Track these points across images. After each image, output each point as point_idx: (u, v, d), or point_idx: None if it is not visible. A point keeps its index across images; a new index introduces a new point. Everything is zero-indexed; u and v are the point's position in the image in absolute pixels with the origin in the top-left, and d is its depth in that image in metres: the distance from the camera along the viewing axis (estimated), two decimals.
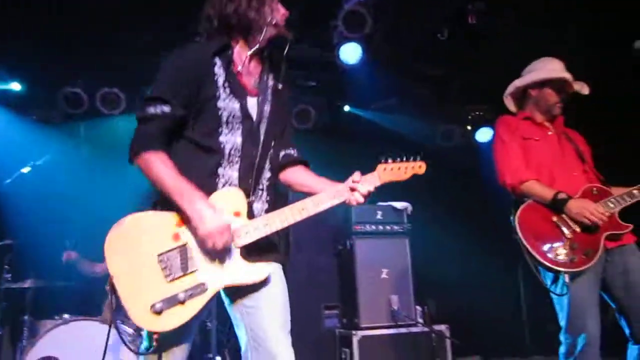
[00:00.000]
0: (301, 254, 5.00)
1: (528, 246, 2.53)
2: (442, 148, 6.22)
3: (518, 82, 2.97)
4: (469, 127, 6.28)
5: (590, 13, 4.33)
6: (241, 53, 2.03)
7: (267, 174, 2.03)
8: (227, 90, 1.93)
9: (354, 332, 4.33)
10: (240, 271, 1.83)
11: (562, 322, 2.57)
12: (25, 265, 4.11)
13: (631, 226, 2.59)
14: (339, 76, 5.40)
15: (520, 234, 2.56)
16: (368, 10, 4.38)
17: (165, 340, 1.80)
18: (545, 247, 2.52)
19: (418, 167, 2.19)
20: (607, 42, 4.35)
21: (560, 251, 2.49)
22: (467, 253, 5.95)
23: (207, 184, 1.85)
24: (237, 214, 1.86)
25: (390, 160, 2.14)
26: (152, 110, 1.86)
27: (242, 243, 1.85)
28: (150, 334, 1.78)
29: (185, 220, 1.81)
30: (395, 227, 4.72)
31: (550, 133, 2.87)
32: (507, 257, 4.26)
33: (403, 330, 4.43)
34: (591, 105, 3.37)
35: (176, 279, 1.75)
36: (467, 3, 4.49)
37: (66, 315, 3.70)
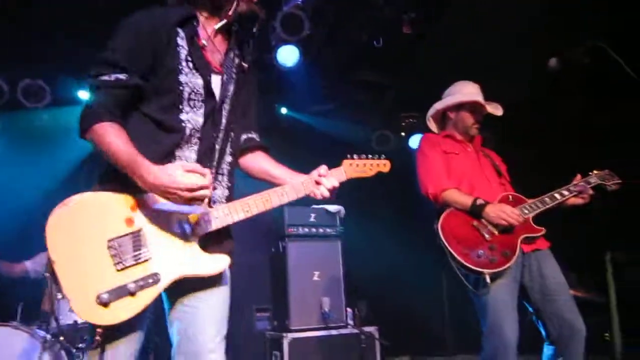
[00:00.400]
0: (234, 256, 4.93)
1: (451, 250, 2.65)
2: (377, 153, 6.34)
3: (438, 105, 3.17)
4: (402, 134, 6.46)
5: (525, 20, 4.53)
6: (206, 26, 1.88)
7: (228, 158, 1.91)
8: (190, 64, 1.78)
9: (284, 334, 4.32)
10: (197, 261, 1.72)
11: (484, 328, 2.71)
12: None
13: (544, 230, 2.78)
14: (277, 78, 5.40)
15: (443, 240, 2.68)
16: (307, 13, 4.40)
17: (111, 335, 1.63)
18: (467, 250, 2.65)
19: (383, 165, 2.22)
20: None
21: (480, 253, 2.63)
22: (397, 255, 6.10)
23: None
24: None
25: (356, 157, 2.16)
26: (106, 77, 1.68)
27: (203, 231, 1.75)
28: (94, 328, 1.60)
29: (140, 203, 1.67)
30: (328, 230, 4.77)
31: (469, 150, 3.08)
32: (434, 259, 4.42)
33: (333, 332, 4.47)
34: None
35: (127, 267, 1.60)
36: (403, 13, 4.63)
37: None
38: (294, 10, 4.37)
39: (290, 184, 1.95)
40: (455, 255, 2.63)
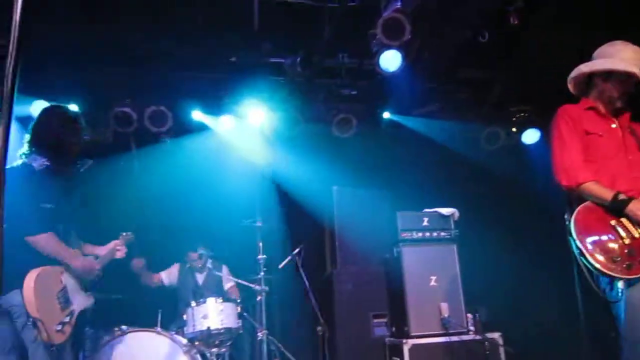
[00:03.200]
0: (348, 264, 5.01)
1: (583, 249, 2.40)
2: (487, 152, 6.10)
3: (584, 68, 2.74)
4: (514, 130, 6.14)
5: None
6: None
7: None
8: None
9: (404, 340, 4.28)
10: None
11: (621, 330, 2.45)
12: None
13: None
14: (380, 84, 5.42)
15: (575, 236, 2.44)
16: (407, 16, 4.37)
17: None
18: (601, 252, 2.39)
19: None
20: None
21: (616, 257, 2.35)
22: (517, 258, 5.79)
23: None
24: None
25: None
26: None
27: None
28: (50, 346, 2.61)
29: (63, 271, 2.79)
30: (443, 234, 4.66)
31: (614, 126, 2.69)
32: (561, 262, 4.13)
33: (455, 338, 4.33)
34: None
35: (65, 308, 2.76)
36: (507, 4, 4.42)
37: (124, 327, 3.82)
38: (394, 14, 4.36)
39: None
40: (587, 255, 2.38)
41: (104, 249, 3.26)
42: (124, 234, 3.45)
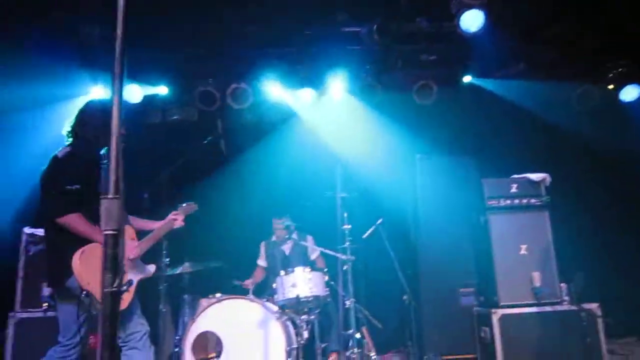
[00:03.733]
0: (434, 233, 4.95)
1: None
2: (580, 113, 5.69)
3: None
4: (610, 87, 5.66)
5: None
6: None
7: None
8: None
9: (493, 310, 4.20)
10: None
11: None
12: (179, 250, 4.54)
13: None
14: (460, 47, 5.19)
15: None
16: None
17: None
18: None
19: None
20: None
21: None
22: (614, 225, 5.44)
23: None
24: None
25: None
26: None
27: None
28: None
29: None
30: (533, 200, 4.46)
31: None
32: None
33: (547, 308, 4.20)
34: None
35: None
36: None
37: (218, 294, 4.05)
38: None
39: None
40: None
41: (159, 223, 3.39)
42: (184, 204, 3.56)
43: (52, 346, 2.98)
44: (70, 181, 2.80)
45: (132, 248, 3.09)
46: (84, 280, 2.75)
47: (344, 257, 4.29)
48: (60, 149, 3.00)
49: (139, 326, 2.99)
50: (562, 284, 4.33)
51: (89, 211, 2.78)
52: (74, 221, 2.80)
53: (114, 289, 1.36)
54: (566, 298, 4.28)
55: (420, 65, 5.41)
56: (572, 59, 5.54)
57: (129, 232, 3.14)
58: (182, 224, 3.47)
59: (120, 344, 2.94)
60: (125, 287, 2.76)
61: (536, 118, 5.66)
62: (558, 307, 4.22)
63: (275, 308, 4.04)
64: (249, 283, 4.71)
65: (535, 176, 4.49)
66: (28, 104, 4.67)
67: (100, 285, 2.51)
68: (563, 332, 4.14)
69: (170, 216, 3.44)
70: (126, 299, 2.88)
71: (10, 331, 3.90)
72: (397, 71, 5.45)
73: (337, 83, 5.44)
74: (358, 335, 4.24)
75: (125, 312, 2.92)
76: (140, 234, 3.26)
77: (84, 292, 2.74)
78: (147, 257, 3.25)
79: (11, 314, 3.94)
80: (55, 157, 2.94)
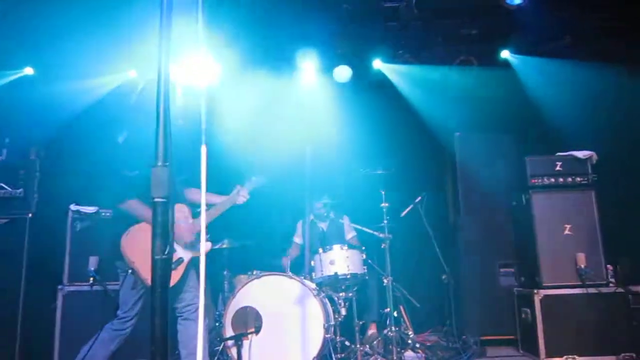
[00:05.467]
0: (472, 212, 4.86)
1: None
2: (631, 87, 5.40)
3: None
4: None
5: None
6: None
7: None
8: None
9: (535, 291, 4.12)
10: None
11: None
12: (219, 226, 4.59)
13: None
14: (502, 20, 5.00)
15: None
16: None
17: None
18: None
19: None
20: None
21: None
22: None
23: None
24: None
25: None
26: None
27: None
28: None
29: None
30: (578, 179, 4.33)
31: None
32: None
33: (592, 290, 4.09)
34: None
35: None
36: None
37: (257, 271, 4.10)
38: None
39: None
40: None
41: (222, 197, 3.38)
42: (253, 177, 3.52)
43: (98, 318, 3.08)
44: (131, 167, 2.86)
45: (187, 229, 3.11)
46: (129, 259, 2.87)
47: (381, 235, 4.27)
48: (122, 134, 3.06)
49: (195, 299, 3.06)
50: (608, 266, 4.20)
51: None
52: (133, 207, 2.90)
53: (164, 257, 1.38)
54: (612, 280, 4.15)
55: (460, 40, 5.25)
56: (626, 30, 5.24)
57: (184, 211, 3.15)
58: (246, 199, 3.41)
59: (177, 315, 3.05)
60: (173, 266, 2.84)
61: (583, 93, 5.42)
62: (603, 289, 4.10)
63: (313, 285, 4.05)
64: (286, 260, 4.74)
65: (581, 154, 4.34)
66: None
67: (145, 262, 2.60)
68: (608, 314, 4.03)
69: (235, 190, 3.39)
70: (174, 277, 2.93)
71: (59, 303, 4.06)
72: (437, 47, 5.31)
73: (375, 59, 5.34)
74: (395, 314, 4.23)
75: (180, 285, 3.01)
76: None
77: (130, 270, 2.87)
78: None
79: (60, 287, 4.09)
80: (116, 144, 3.02)
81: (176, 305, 3.05)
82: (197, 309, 3.00)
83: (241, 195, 3.41)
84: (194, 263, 3.13)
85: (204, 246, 3.01)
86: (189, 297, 3.07)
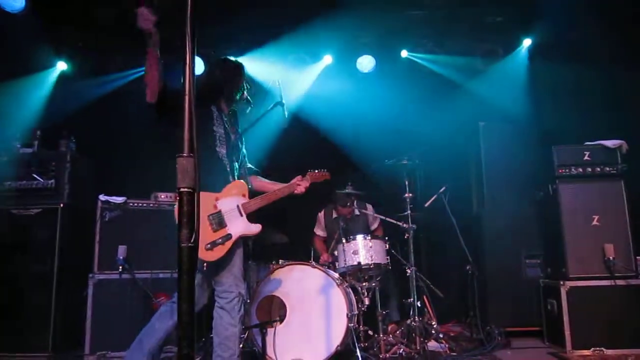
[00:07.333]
0: (497, 202, 4.80)
1: None
2: None
3: None
4: None
5: None
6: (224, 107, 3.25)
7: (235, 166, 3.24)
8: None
9: (561, 282, 4.06)
10: (248, 227, 3.05)
11: None
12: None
13: None
14: (528, 8, 4.90)
15: None
16: None
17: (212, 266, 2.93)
18: None
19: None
20: None
21: None
22: None
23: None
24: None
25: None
26: None
27: (247, 212, 3.07)
28: (202, 261, 2.86)
29: (219, 197, 2.98)
30: (607, 169, 4.23)
31: None
32: None
33: (621, 282, 4.02)
34: None
35: (217, 230, 2.92)
36: None
37: (281, 261, 4.14)
38: None
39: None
40: None
41: (280, 185, 3.29)
42: (316, 170, 3.43)
43: (127, 305, 3.13)
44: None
45: (237, 202, 3.03)
46: None
47: (405, 225, 4.26)
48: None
49: (234, 287, 2.93)
50: (638, 257, 4.11)
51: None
52: None
53: (190, 245, 1.41)
54: None
55: (485, 28, 5.17)
56: None
57: (242, 188, 3.08)
58: (304, 190, 3.31)
59: (215, 298, 2.95)
60: (220, 240, 2.88)
61: (610, 80, 5.28)
62: (632, 281, 4.02)
63: (337, 275, 4.08)
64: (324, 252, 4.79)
65: (610, 143, 4.23)
66: None
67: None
68: (637, 307, 3.95)
69: (294, 180, 3.30)
70: (218, 252, 2.86)
71: (90, 290, 4.18)
72: (461, 36, 5.24)
73: (402, 50, 5.31)
74: (419, 304, 4.23)
75: (223, 263, 2.93)
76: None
77: None
78: None
79: (90, 275, 4.22)
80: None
81: (215, 287, 2.96)
82: (233, 299, 2.91)
83: (301, 185, 3.30)
84: (241, 244, 3.04)
85: (255, 227, 3.05)
86: (228, 282, 2.93)
